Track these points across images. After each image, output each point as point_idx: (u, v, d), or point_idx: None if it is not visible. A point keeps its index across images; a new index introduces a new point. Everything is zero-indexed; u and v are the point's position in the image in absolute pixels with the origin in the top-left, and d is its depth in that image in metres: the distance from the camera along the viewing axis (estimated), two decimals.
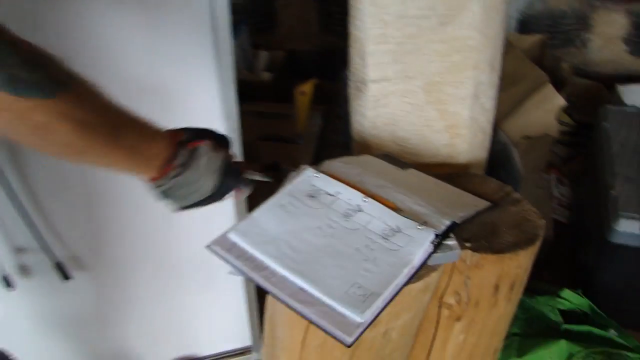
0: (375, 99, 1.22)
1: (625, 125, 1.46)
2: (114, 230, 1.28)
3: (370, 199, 0.91)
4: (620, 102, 1.83)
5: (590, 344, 1.17)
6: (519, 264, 1.02)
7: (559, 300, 1.25)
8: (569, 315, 1.24)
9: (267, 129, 2.20)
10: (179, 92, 1.12)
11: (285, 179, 1.02)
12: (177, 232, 1.30)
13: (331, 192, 0.94)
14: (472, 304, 1.04)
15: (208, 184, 0.80)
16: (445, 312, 1.06)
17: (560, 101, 1.66)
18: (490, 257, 0.97)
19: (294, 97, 2.06)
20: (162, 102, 1.12)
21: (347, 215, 0.90)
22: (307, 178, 0.97)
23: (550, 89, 1.66)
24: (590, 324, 1.22)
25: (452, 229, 0.89)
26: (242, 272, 0.83)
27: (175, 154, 0.77)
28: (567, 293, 1.26)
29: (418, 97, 1.20)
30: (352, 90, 1.28)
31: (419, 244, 0.84)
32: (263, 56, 2.42)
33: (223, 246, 0.86)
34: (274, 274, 0.82)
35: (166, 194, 0.79)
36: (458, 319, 1.07)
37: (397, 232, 0.87)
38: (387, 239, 0.86)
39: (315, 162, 2.16)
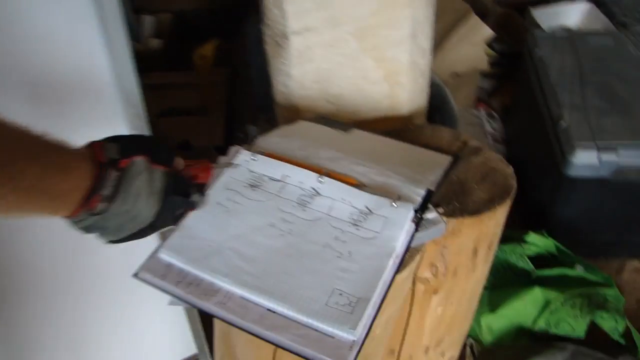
0: (300, 53, 1.04)
1: (558, 50, 1.38)
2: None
3: (326, 178, 0.75)
4: (536, 25, 1.75)
5: (565, 287, 1.10)
6: (496, 222, 0.90)
7: (525, 246, 1.17)
8: (537, 260, 1.17)
9: (166, 102, 1.95)
10: (62, 73, 0.87)
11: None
12: (87, 246, 1.07)
13: (276, 176, 0.76)
14: (450, 274, 0.92)
15: (148, 209, 0.58)
16: (420, 287, 0.94)
17: (487, 32, 1.56)
18: (467, 221, 0.85)
19: (193, 62, 1.83)
20: (46, 89, 0.87)
21: (302, 204, 0.73)
22: (243, 163, 0.78)
23: (475, 20, 1.55)
24: (559, 266, 1.15)
25: (429, 199, 0.75)
26: (187, 302, 0.64)
27: (100, 181, 0.55)
28: (532, 237, 1.18)
29: (349, 45, 1.03)
30: (270, 47, 1.09)
31: (398, 226, 0.69)
32: (148, 21, 2.13)
33: (155, 272, 0.66)
34: (229, 297, 0.64)
35: (90, 229, 0.57)
36: (435, 292, 0.94)
37: (369, 214, 0.71)
38: (359, 226, 0.70)
39: (229, 134, 1.96)
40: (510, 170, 0.94)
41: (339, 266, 0.65)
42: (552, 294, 1.09)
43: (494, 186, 0.91)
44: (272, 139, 0.86)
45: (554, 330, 1.10)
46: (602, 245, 1.33)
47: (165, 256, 0.67)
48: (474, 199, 0.88)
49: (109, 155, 0.56)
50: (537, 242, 1.17)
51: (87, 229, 0.57)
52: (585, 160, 1.14)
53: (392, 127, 1.06)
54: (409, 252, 0.70)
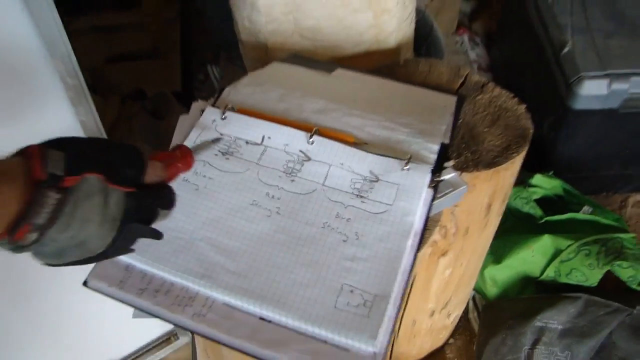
0: None
1: None
2: None
3: (316, 137, 0.60)
4: None
5: (577, 234, 1.00)
6: (513, 172, 0.77)
7: (531, 189, 1.06)
8: (540, 203, 1.06)
9: (114, 46, 1.75)
10: None
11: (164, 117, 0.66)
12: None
13: (254, 139, 0.61)
14: (461, 234, 0.80)
15: (99, 238, 0.43)
16: (426, 250, 0.82)
17: None
18: (484, 175, 0.72)
19: None
20: None
21: (290, 172, 0.58)
22: (209, 125, 0.63)
23: None
24: (565, 208, 1.05)
25: (444, 155, 0.61)
26: (155, 315, 0.50)
27: (32, 206, 0.39)
28: (537, 178, 1.06)
29: None
30: None
31: (413, 194, 0.55)
32: None
33: (111, 278, 0.52)
34: (208, 305, 0.50)
35: (20, 251, 0.42)
36: (443, 254, 0.83)
37: (375, 182, 0.57)
38: (364, 197, 0.56)
39: (187, 77, 1.75)
40: (522, 108, 0.81)
41: (345, 253, 0.52)
42: (563, 242, 0.99)
43: (507, 129, 0.77)
44: (243, 90, 0.70)
45: (564, 279, 1.01)
46: (605, 180, 1.24)
47: (123, 256, 0.53)
48: (487, 147, 0.74)
49: (49, 171, 0.40)
50: (543, 184, 1.06)
51: (16, 251, 0.42)
52: (593, 91, 1.01)
53: (378, 63, 0.91)
54: (427, 226, 0.56)
